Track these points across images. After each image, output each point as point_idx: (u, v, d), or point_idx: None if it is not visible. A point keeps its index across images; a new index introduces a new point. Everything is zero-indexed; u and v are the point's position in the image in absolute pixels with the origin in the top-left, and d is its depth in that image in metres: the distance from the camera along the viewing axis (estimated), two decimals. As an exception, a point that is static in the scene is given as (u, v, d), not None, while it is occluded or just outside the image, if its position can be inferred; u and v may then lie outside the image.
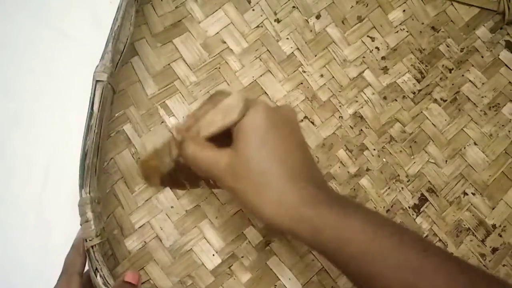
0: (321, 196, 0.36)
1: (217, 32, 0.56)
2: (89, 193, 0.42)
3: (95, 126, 0.43)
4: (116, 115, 0.52)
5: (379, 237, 0.34)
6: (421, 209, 0.54)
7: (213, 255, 0.49)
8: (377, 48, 0.58)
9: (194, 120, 0.41)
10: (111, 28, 0.46)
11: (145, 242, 0.49)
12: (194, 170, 0.41)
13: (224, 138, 0.39)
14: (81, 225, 0.41)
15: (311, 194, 0.36)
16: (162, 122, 0.52)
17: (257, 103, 0.38)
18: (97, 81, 0.44)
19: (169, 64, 0.54)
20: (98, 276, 0.40)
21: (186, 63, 0.55)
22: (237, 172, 0.37)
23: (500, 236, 0.54)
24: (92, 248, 0.41)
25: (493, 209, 0.55)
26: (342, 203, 0.36)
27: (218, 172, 0.38)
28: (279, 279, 0.50)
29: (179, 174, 0.44)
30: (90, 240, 0.41)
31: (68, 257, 0.45)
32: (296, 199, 0.36)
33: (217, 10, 0.57)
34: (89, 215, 0.41)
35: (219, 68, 0.55)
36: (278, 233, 0.51)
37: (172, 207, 0.50)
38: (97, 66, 0.45)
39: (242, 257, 0.50)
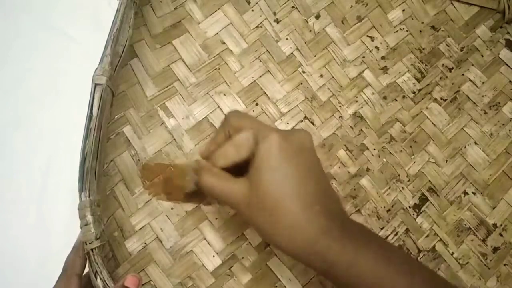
0: (334, 230, 0.37)
1: (217, 33, 0.56)
2: (89, 197, 0.42)
3: (94, 130, 0.43)
4: (115, 117, 0.52)
5: (390, 274, 0.35)
6: (422, 209, 0.54)
7: (214, 256, 0.49)
8: (376, 47, 0.58)
9: (212, 146, 0.42)
10: (110, 31, 0.46)
11: (145, 243, 0.49)
12: (211, 198, 0.42)
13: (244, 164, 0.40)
14: (81, 228, 0.42)
15: (324, 227, 0.36)
16: (162, 123, 0.52)
17: (268, 134, 0.38)
18: (96, 84, 0.44)
19: (168, 66, 0.54)
20: (98, 279, 0.40)
21: (186, 64, 0.55)
22: (252, 203, 0.38)
23: (501, 235, 0.54)
24: (92, 251, 0.41)
25: (494, 208, 0.55)
26: (355, 237, 0.37)
27: (234, 202, 0.39)
28: (280, 280, 0.50)
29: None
30: (90, 243, 0.41)
31: (69, 258, 0.45)
32: (308, 232, 0.36)
33: (216, 10, 0.57)
34: (89, 218, 0.41)
35: (219, 69, 0.55)
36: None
37: (172, 208, 0.50)
38: (96, 69, 0.45)
39: (242, 258, 0.50)
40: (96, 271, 0.41)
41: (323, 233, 0.36)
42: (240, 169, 0.40)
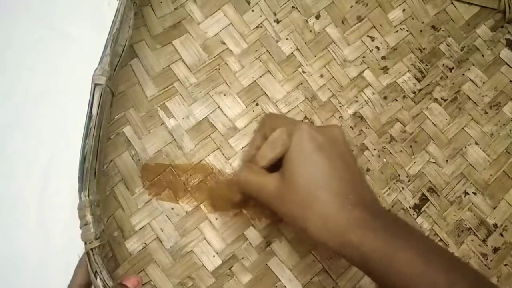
0: (368, 220, 0.36)
1: (217, 33, 0.56)
2: (88, 196, 0.41)
3: (94, 130, 0.43)
4: (115, 117, 0.51)
5: (428, 269, 0.34)
6: (422, 209, 0.54)
7: (214, 256, 0.49)
8: (377, 47, 0.58)
9: (252, 150, 0.45)
10: (110, 31, 0.46)
11: (145, 243, 0.49)
12: (245, 194, 0.45)
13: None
14: (80, 228, 0.41)
15: (358, 219, 0.36)
16: (162, 123, 0.52)
17: (300, 127, 0.40)
18: (95, 84, 0.44)
19: (168, 66, 0.54)
20: (98, 279, 0.40)
21: (186, 64, 0.54)
22: (284, 195, 0.39)
23: (502, 235, 0.54)
24: (92, 251, 0.41)
25: (494, 208, 0.55)
26: (391, 229, 0.36)
27: (266, 195, 0.40)
28: (280, 280, 0.50)
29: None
30: (89, 243, 0.41)
31: (74, 272, 0.44)
32: (341, 224, 0.36)
33: (216, 11, 0.57)
34: (88, 218, 0.41)
35: (219, 69, 0.55)
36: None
37: (172, 208, 0.50)
38: (95, 69, 0.45)
39: (242, 258, 0.50)
40: (96, 271, 0.41)
41: (356, 222, 0.36)
42: (279, 168, 0.41)
